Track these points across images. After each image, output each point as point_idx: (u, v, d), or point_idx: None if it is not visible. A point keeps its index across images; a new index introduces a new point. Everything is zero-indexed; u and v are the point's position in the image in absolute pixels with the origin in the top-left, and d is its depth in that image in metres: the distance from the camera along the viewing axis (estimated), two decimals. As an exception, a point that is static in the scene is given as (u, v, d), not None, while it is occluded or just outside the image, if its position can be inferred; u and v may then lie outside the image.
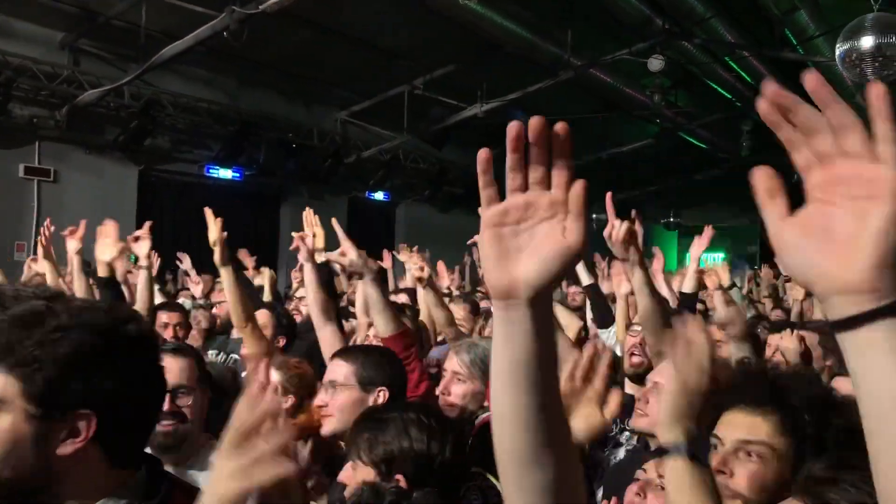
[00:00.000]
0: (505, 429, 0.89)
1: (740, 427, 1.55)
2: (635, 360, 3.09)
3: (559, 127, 0.86)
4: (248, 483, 1.06)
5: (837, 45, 6.52)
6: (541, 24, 10.32)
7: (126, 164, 10.71)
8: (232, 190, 12.32)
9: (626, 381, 3.25)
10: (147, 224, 4.11)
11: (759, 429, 1.53)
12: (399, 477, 1.93)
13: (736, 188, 20.17)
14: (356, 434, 2.02)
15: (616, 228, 2.69)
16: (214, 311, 5.42)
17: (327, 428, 2.48)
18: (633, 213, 2.90)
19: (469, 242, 7.86)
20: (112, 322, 1.21)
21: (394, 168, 13.88)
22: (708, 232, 6.04)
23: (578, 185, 0.87)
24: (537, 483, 0.88)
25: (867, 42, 6.22)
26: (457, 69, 12.04)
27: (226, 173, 12.00)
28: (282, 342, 4.07)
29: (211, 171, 11.86)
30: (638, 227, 2.79)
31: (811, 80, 0.72)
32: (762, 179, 0.79)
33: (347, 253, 3.11)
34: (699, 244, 6.11)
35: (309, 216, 3.47)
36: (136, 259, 4.16)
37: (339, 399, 2.49)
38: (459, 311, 4.80)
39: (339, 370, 2.58)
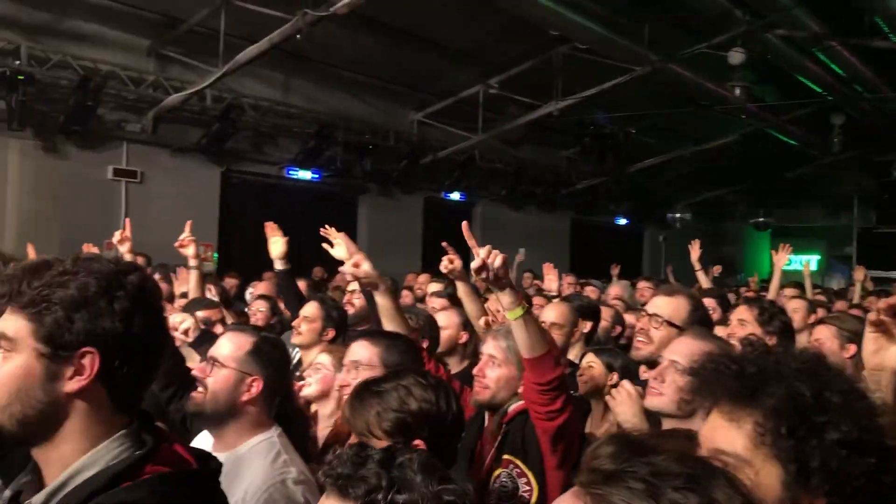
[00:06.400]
0: None
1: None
2: (641, 343, 3.01)
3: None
4: None
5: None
6: (615, 19, 10.14)
7: (209, 166, 11.08)
8: (310, 191, 12.59)
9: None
10: (126, 221, 4.36)
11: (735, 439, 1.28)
12: (418, 442, 1.90)
13: (829, 186, 19.54)
14: (359, 410, 2.00)
15: (486, 260, 2.46)
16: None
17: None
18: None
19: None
20: (114, 269, 1.29)
21: (469, 168, 13.90)
22: (786, 249, 5.82)
23: None
24: None
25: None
26: (531, 67, 11.98)
27: (304, 174, 12.28)
28: (330, 334, 4.11)
29: (290, 172, 12.16)
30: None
31: None
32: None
33: (361, 264, 3.14)
34: (779, 258, 5.89)
35: (329, 231, 3.51)
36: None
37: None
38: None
39: (363, 352, 2.66)
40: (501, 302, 2.54)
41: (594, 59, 10.90)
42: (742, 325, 3.34)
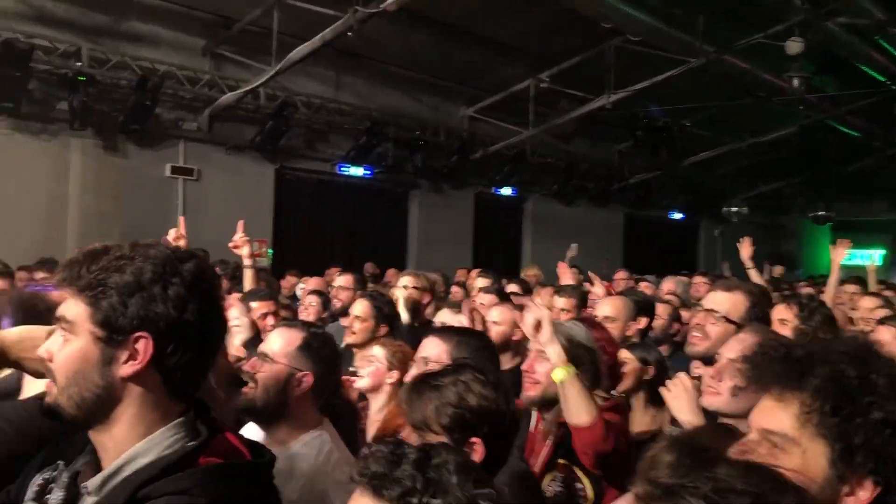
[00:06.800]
0: None
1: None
2: (697, 339, 2.94)
3: None
4: None
5: None
6: (669, 10, 9.96)
7: (263, 163, 11.24)
8: (362, 187, 12.70)
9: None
10: (181, 220, 4.43)
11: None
12: (476, 439, 1.86)
13: (893, 178, 18.81)
14: (417, 404, 1.95)
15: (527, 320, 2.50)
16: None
17: None
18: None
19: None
20: (171, 256, 1.31)
21: (520, 163, 13.82)
22: (844, 244, 5.66)
23: None
24: None
25: None
26: (583, 60, 11.85)
27: (356, 171, 12.37)
28: (383, 330, 4.13)
29: (342, 169, 12.27)
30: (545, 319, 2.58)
31: None
32: None
33: None
34: (837, 254, 5.72)
35: None
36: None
37: None
38: (564, 302, 4.72)
39: (434, 348, 2.68)
40: (549, 356, 2.51)
41: (647, 51, 10.73)
42: (783, 324, 3.22)
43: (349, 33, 8.60)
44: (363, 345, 4.09)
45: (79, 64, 8.98)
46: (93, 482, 1.24)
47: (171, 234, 4.58)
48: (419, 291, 4.87)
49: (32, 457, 1.40)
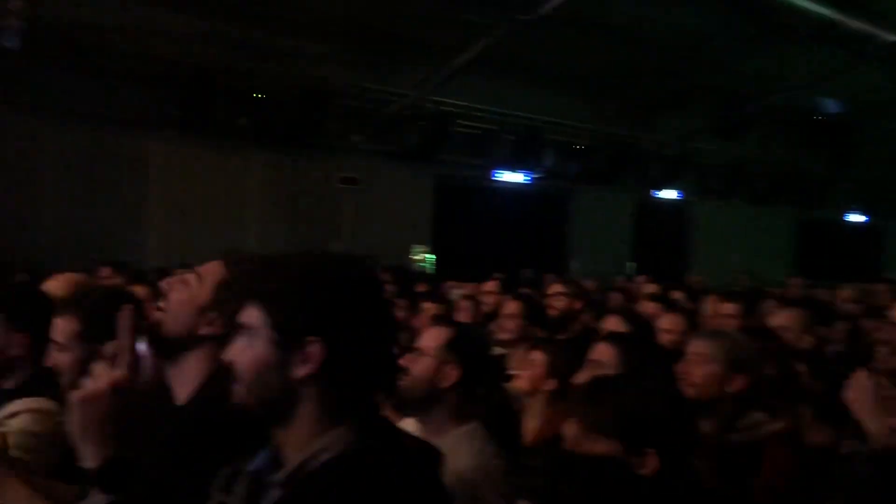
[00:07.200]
0: None
1: None
2: (888, 356, 2.72)
3: None
4: None
5: None
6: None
7: (423, 171, 11.58)
8: (521, 193, 12.77)
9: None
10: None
11: None
12: (650, 451, 1.74)
13: None
14: (593, 406, 1.85)
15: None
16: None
17: None
18: None
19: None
20: (340, 263, 1.41)
21: (685, 164, 13.37)
22: None
23: None
24: None
25: None
26: (751, 56, 11.30)
27: (515, 177, 12.46)
28: (534, 331, 4.13)
29: (500, 175, 12.40)
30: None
31: None
32: None
33: None
34: None
35: None
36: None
37: None
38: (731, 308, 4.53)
39: (605, 351, 2.75)
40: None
41: (820, 42, 10.07)
42: None
43: (506, 41, 8.69)
44: (514, 343, 4.13)
45: (254, 81, 9.62)
46: (278, 476, 1.34)
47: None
48: (570, 298, 4.85)
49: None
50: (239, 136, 9.88)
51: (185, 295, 1.73)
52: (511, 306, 4.25)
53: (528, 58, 11.12)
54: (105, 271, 6.35)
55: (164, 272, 4.87)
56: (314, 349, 1.32)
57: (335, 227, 10.62)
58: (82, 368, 1.80)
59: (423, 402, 2.39)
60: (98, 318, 2.20)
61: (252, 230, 10.14)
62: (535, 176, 12.48)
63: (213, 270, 1.74)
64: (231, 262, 1.71)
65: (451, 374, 2.39)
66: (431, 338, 2.47)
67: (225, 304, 1.56)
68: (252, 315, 1.36)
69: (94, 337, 2.16)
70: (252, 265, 1.44)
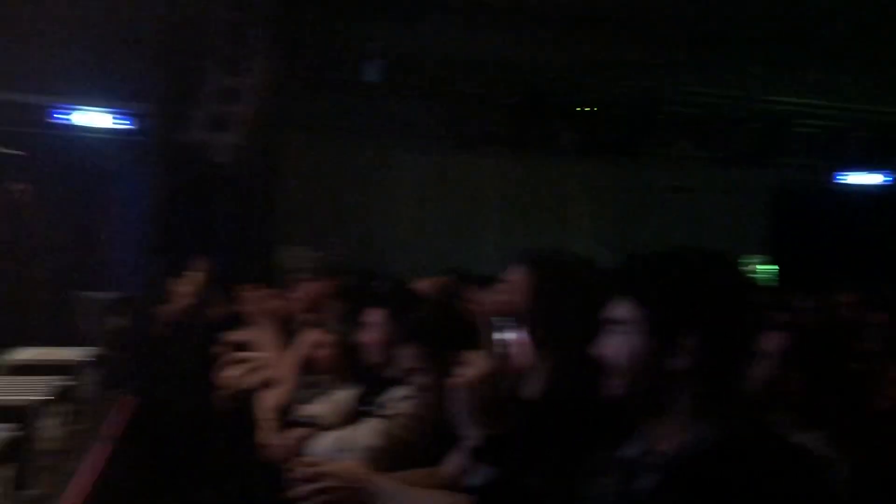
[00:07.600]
0: None
1: None
2: None
3: None
4: None
5: None
6: None
7: (754, 177, 11.06)
8: (875, 195, 11.68)
9: None
10: None
11: None
12: None
13: None
14: None
15: None
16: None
17: None
18: None
19: None
20: (711, 259, 1.48)
21: None
22: None
23: None
24: None
25: None
26: None
27: (869, 178, 11.63)
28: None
29: (839, 177, 11.61)
30: None
31: None
32: None
33: None
34: None
35: None
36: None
37: None
38: None
39: None
40: None
41: None
42: None
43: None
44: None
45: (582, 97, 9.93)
46: (652, 462, 1.41)
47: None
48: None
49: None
50: (568, 149, 10.24)
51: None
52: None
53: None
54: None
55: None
56: (691, 343, 1.38)
57: (666, 234, 10.48)
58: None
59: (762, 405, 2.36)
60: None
61: (576, 237, 10.42)
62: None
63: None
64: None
65: (794, 381, 2.34)
66: (773, 341, 2.42)
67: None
68: (625, 310, 1.45)
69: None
70: (630, 264, 1.53)
